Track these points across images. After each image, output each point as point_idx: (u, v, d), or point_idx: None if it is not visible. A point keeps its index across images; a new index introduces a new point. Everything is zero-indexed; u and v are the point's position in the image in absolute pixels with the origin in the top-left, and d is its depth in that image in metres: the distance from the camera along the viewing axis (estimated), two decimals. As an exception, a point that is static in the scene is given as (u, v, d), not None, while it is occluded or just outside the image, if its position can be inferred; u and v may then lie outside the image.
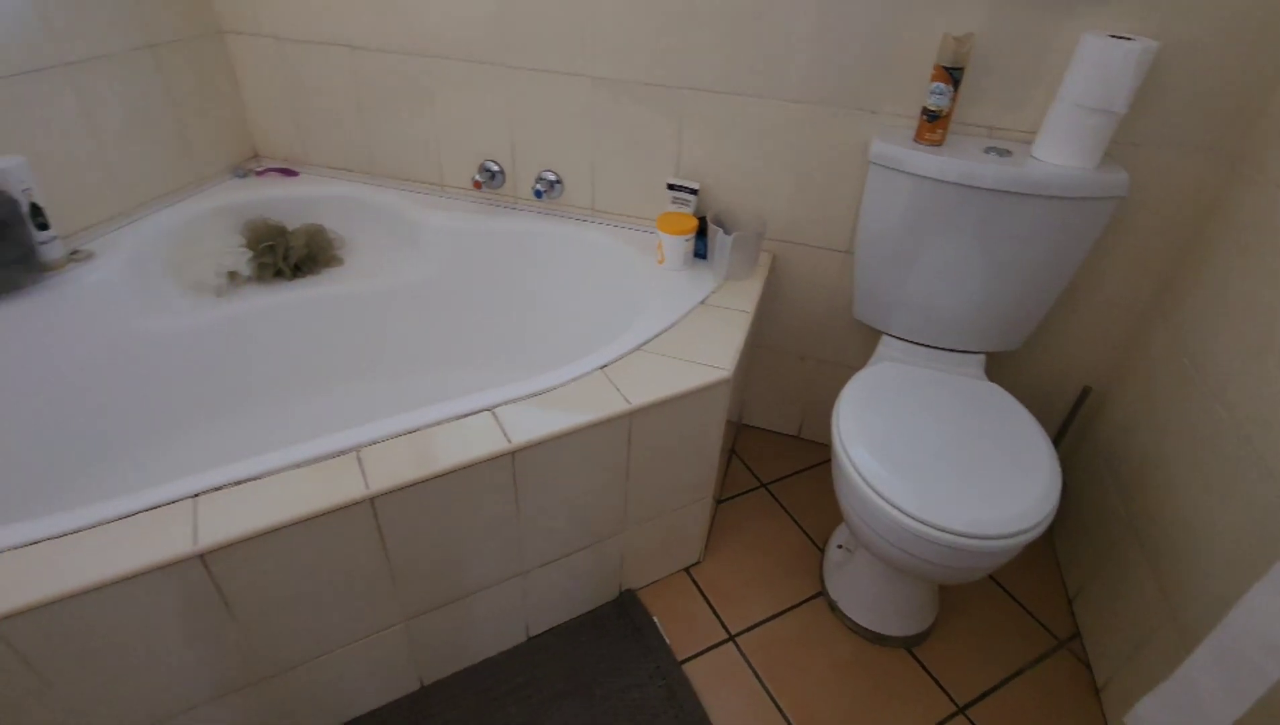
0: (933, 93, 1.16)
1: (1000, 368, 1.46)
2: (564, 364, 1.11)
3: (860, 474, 1.04)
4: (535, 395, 1.05)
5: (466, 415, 1.00)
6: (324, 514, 0.85)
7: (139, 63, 1.38)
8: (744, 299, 1.32)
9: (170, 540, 0.79)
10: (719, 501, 1.56)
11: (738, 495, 1.58)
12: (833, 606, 1.33)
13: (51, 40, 1.22)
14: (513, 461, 0.97)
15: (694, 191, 1.41)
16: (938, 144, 1.19)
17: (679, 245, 1.36)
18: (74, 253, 1.29)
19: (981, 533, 0.95)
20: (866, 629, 1.28)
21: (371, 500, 0.88)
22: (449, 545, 1.00)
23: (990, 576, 1.42)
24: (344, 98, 1.57)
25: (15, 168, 1.15)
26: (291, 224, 1.58)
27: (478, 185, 1.53)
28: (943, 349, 1.35)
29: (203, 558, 0.80)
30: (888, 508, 0.99)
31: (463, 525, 0.99)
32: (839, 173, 1.35)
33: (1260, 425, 0.94)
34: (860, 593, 1.29)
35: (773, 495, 1.59)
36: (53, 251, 1.24)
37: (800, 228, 1.43)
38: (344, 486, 0.87)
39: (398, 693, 1.13)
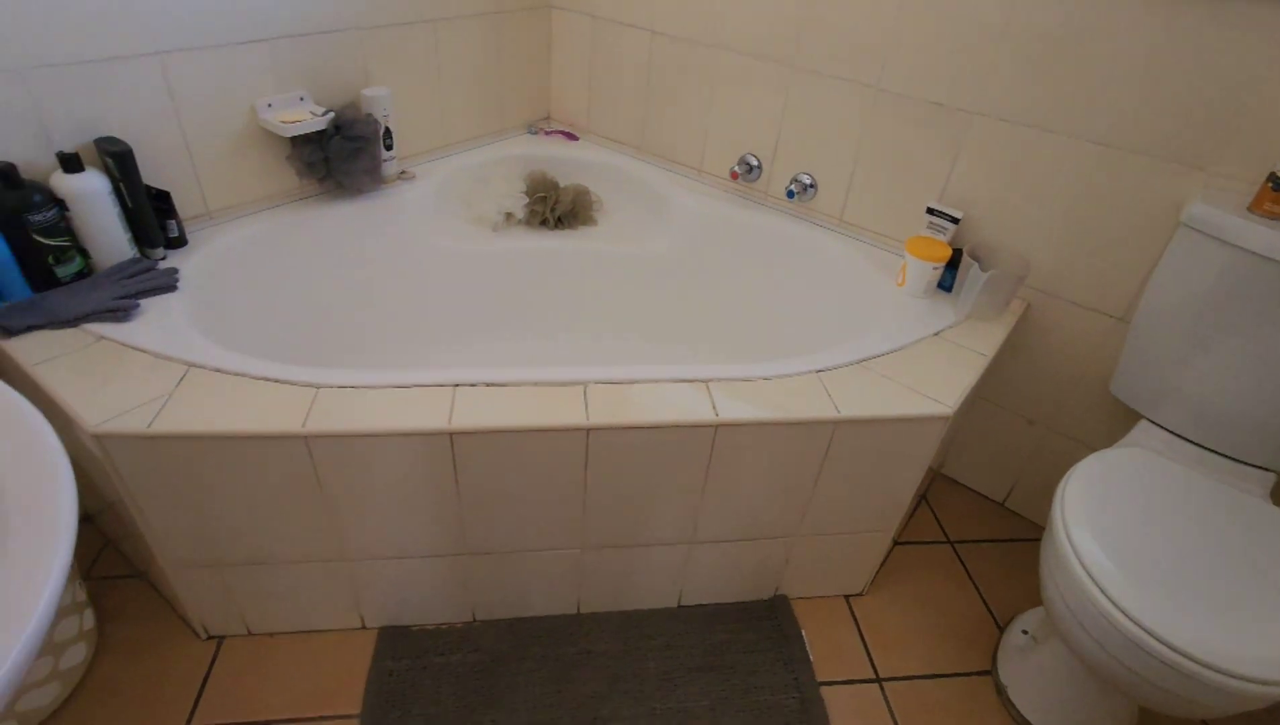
0: (1289, 157, 0.99)
1: (1291, 497, 1.21)
2: (774, 359, 1.13)
3: (1081, 561, 0.93)
4: (748, 380, 1.08)
5: (683, 381, 1.06)
6: (548, 430, 0.97)
7: (483, 25, 1.63)
8: (984, 342, 1.23)
9: (433, 415, 0.95)
10: (897, 542, 1.48)
11: (919, 543, 1.49)
12: (1000, 690, 1.21)
13: (426, 1, 1.49)
14: (714, 434, 1.02)
15: (955, 220, 1.35)
16: (1278, 217, 1.02)
17: (925, 271, 1.30)
18: (402, 173, 1.57)
19: (1230, 668, 0.81)
20: (1036, 729, 1.15)
21: (588, 431, 0.98)
22: (637, 493, 1.08)
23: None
24: (634, 77, 1.72)
25: (382, 97, 1.43)
26: (563, 181, 1.77)
27: (735, 176, 1.59)
28: (1218, 453, 1.16)
29: (451, 436, 0.95)
30: (1115, 612, 0.87)
31: (654, 479, 1.06)
32: (1133, 229, 1.20)
33: None
34: (1039, 688, 1.16)
35: (958, 555, 1.47)
36: (389, 169, 1.52)
37: (1068, 281, 1.30)
38: (569, 412, 0.98)
39: (559, 610, 1.25)
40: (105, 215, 1.09)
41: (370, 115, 1.41)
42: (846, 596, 1.36)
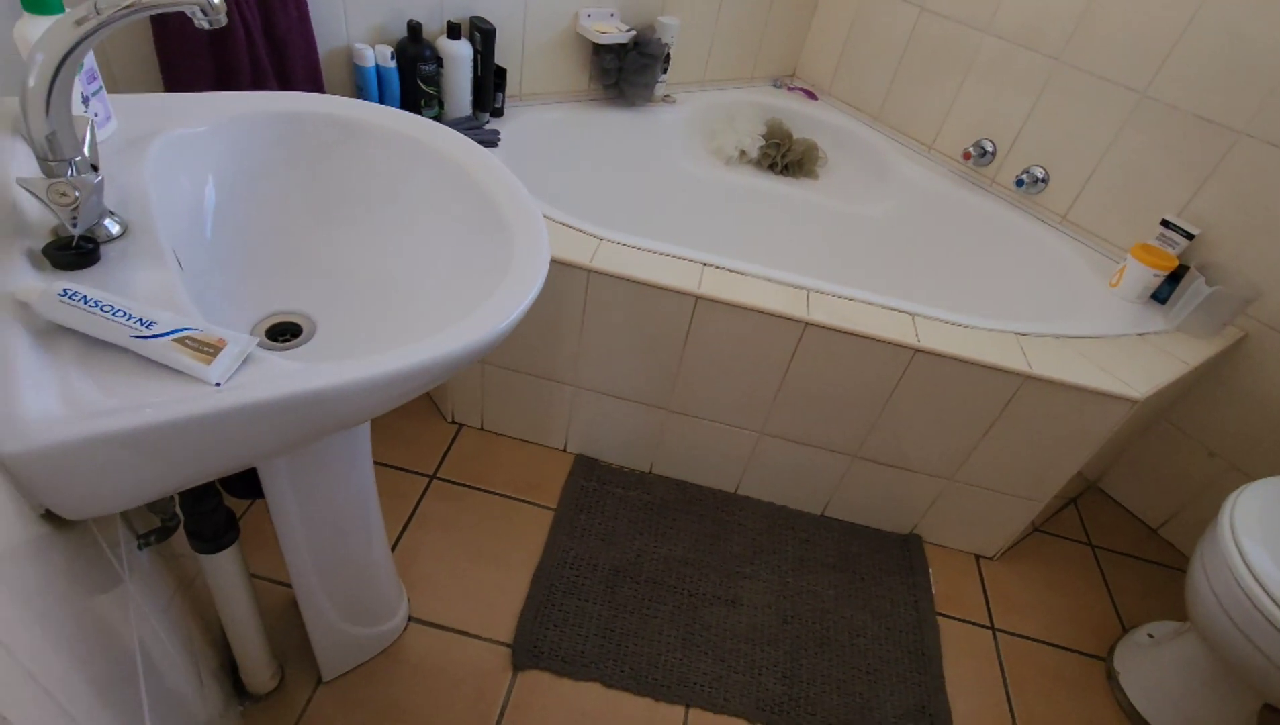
0: None
1: None
2: (978, 316, 1.24)
3: (1251, 569, 0.98)
4: (952, 323, 1.21)
5: (893, 309, 1.21)
6: (769, 314, 1.16)
7: (766, -22, 1.81)
8: (1189, 353, 1.27)
9: (686, 279, 1.17)
10: (1036, 528, 1.55)
11: (1060, 536, 1.55)
12: (1110, 675, 1.28)
13: (731, -53, 1.68)
14: (911, 358, 1.16)
15: (1189, 236, 1.37)
16: None
17: (1145, 276, 1.34)
18: (666, 96, 1.80)
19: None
20: (1144, 718, 1.21)
21: (805, 325, 1.16)
22: (825, 396, 1.25)
23: (1326, 783, 1.20)
24: (890, 49, 1.83)
25: (672, 26, 1.65)
26: (796, 134, 1.92)
27: (967, 156, 1.67)
28: None
29: (696, 299, 1.16)
30: (1271, 607, 0.94)
31: (845, 387, 1.23)
32: (1392, 279, 1.18)
33: None
34: (1153, 681, 1.22)
35: (1096, 558, 1.52)
36: (659, 90, 1.75)
37: (1299, 319, 1.29)
38: (792, 306, 1.16)
39: (720, 484, 1.46)
40: (464, 77, 1.40)
41: (660, 39, 1.64)
42: (977, 556, 1.46)
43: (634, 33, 1.58)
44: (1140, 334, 1.29)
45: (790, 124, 1.93)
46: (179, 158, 0.70)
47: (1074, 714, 1.22)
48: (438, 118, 1.42)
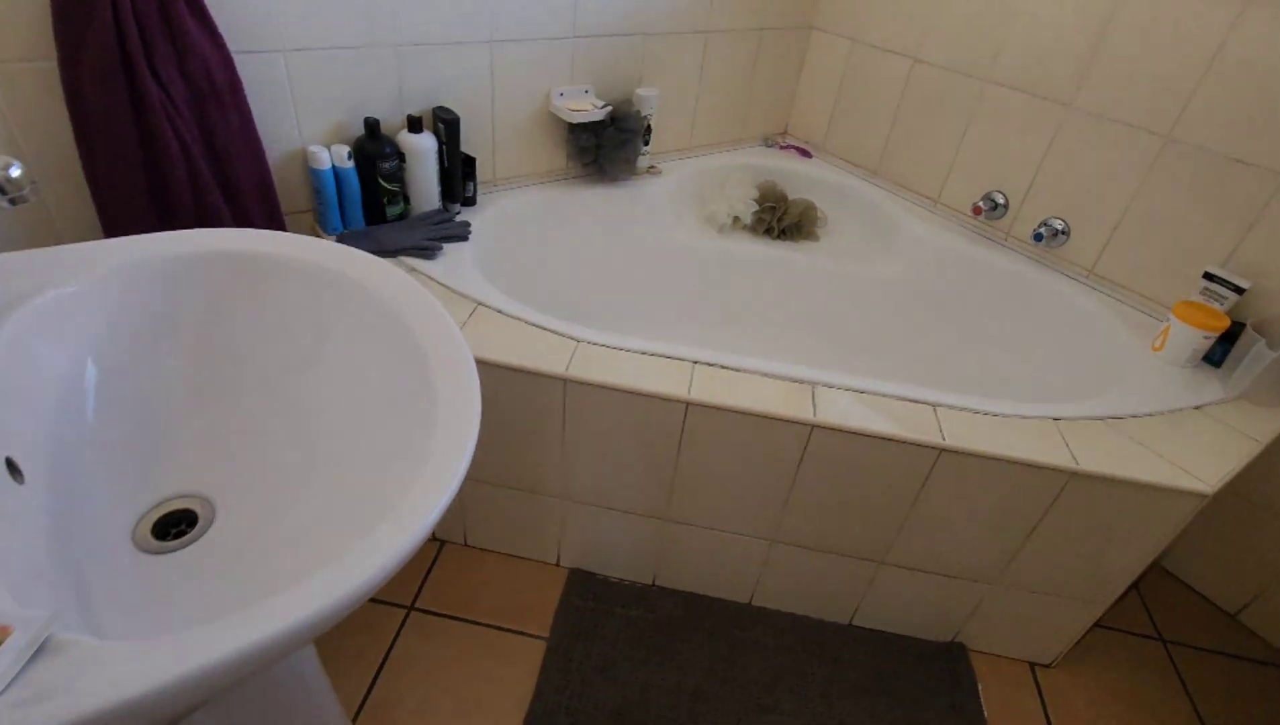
0: None
1: None
2: (1007, 400, 1.09)
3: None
4: (979, 412, 1.06)
5: (909, 400, 1.07)
6: (770, 418, 1.02)
7: (747, 40, 1.73)
8: (1257, 427, 1.11)
9: (674, 383, 1.04)
10: (1098, 623, 1.36)
11: (1123, 630, 1.36)
12: (1207, 814, 1.08)
13: (704, 13, 1.61)
14: (937, 457, 1.02)
15: (1240, 291, 1.22)
16: None
17: (1194, 339, 1.20)
18: (651, 167, 1.71)
19: None
20: None
21: (812, 427, 1.02)
22: (841, 501, 1.10)
23: None
24: (885, 101, 1.73)
25: (651, 97, 1.57)
26: (791, 194, 1.82)
27: (978, 211, 1.55)
28: None
29: (687, 405, 1.03)
30: None
31: (863, 490, 1.08)
32: None
33: None
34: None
35: (1169, 655, 1.33)
36: (642, 162, 1.66)
37: (1379, 378, 1.13)
38: (797, 407, 1.03)
39: (732, 596, 1.30)
40: (429, 171, 1.31)
41: (638, 112, 1.56)
42: (1032, 664, 1.28)
43: (610, 108, 1.49)
44: (1197, 407, 1.14)
45: (785, 184, 1.83)
46: (46, 328, 0.59)
47: None
48: (403, 215, 1.34)
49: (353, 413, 0.65)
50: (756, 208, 1.77)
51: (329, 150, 1.21)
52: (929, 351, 1.62)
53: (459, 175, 1.37)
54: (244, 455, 0.65)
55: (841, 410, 1.03)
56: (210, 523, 0.60)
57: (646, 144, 1.63)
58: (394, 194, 1.30)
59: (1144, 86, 1.29)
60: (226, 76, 1.04)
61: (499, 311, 1.15)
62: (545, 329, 1.12)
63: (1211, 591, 1.44)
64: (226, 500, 0.62)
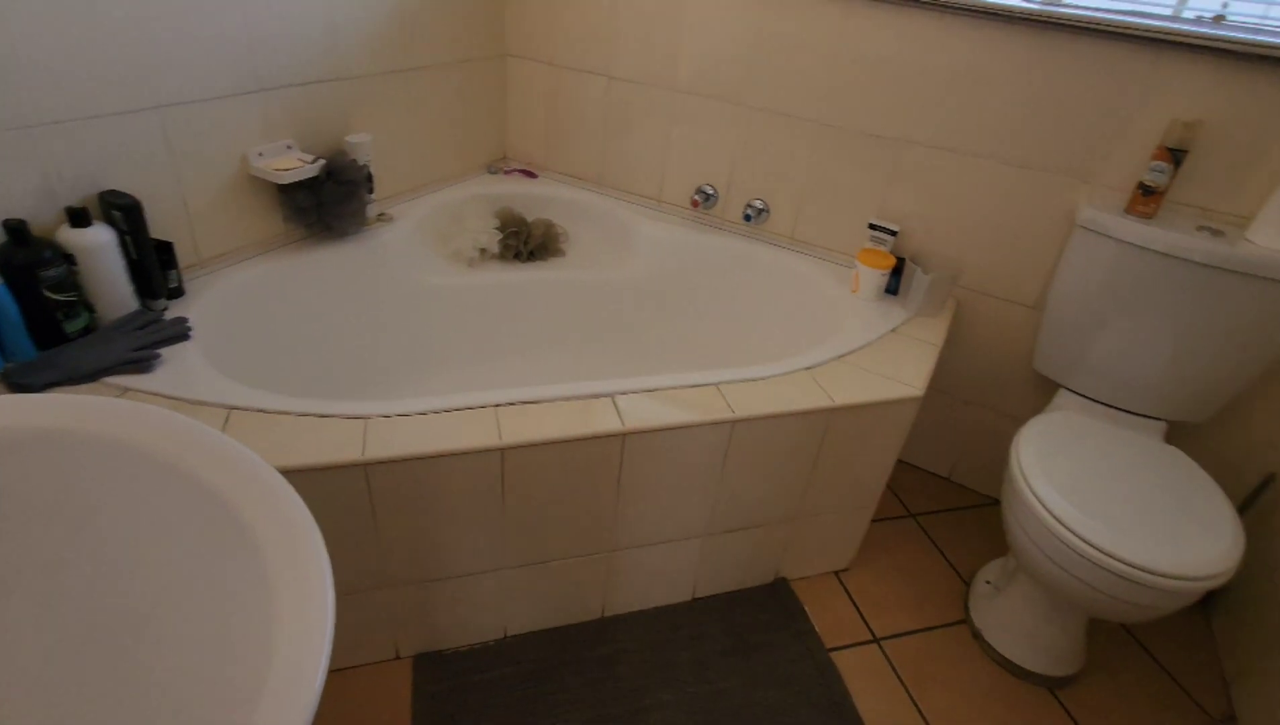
0: (1152, 170, 1.25)
1: (1180, 439, 1.49)
2: (766, 363, 1.27)
3: (1048, 509, 1.12)
4: (752, 381, 1.22)
5: (697, 386, 1.19)
6: (587, 438, 1.06)
7: (449, 73, 1.72)
8: (932, 333, 1.44)
9: (483, 433, 1.02)
10: (872, 521, 1.65)
11: (887, 519, 1.67)
12: (976, 635, 1.39)
13: (403, 51, 1.56)
14: (731, 430, 1.15)
15: (893, 233, 1.56)
16: (1149, 216, 1.28)
17: (876, 278, 1.50)
18: (381, 215, 1.62)
19: (1167, 571, 1.01)
20: (1011, 662, 1.33)
21: (624, 436, 1.08)
22: (664, 492, 1.18)
23: (1141, 643, 1.44)
24: (591, 118, 1.85)
25: (365, 143, 1.48)
26: (530, 216, 1.86)
27: (695, 204, 1.75)
28: (1123, 410, 1.41)
29: (502, 451, 1.02)
30: (1076, 540, 1.07)
31: (680, 476, 1.17)
32: (1039, 233, 1.45)
33: None
34: (1008, 627, 1.35)
35: (921, 527, 1.67)
36: (370, 211, 1.56)
37: (990, 279, 1.54)
38: (604, 421, 1.08)
39: (585, 616, 1.32)
40: (113, 269, 1.09)
41: (354, 161, 1.46)
42: (836, 573, 1.51)
43: (323, 162, 1.37)
44: (893, 331, 1.44)
45: (521, 208, 1.87)
46: None
47: (965, 685, 1.31)
48: (89, 327, 1.09)
49: (153, 617, 0.52)
50: (500, 235, 1.78)
51: (-43, 270, 0.94)
52: (695, 336, 1.79)
53: (155, 266, 1.16)
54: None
55: (643, 412, 1.11)
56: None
57: (371, 192, 1.54)
58: (69, 305, 1.05)
59: (795, 83, 1.57)
60: None
61: (260, 411, 1.00)
62: (324, 416, 1.01)
63: (930, 465, 1.83)
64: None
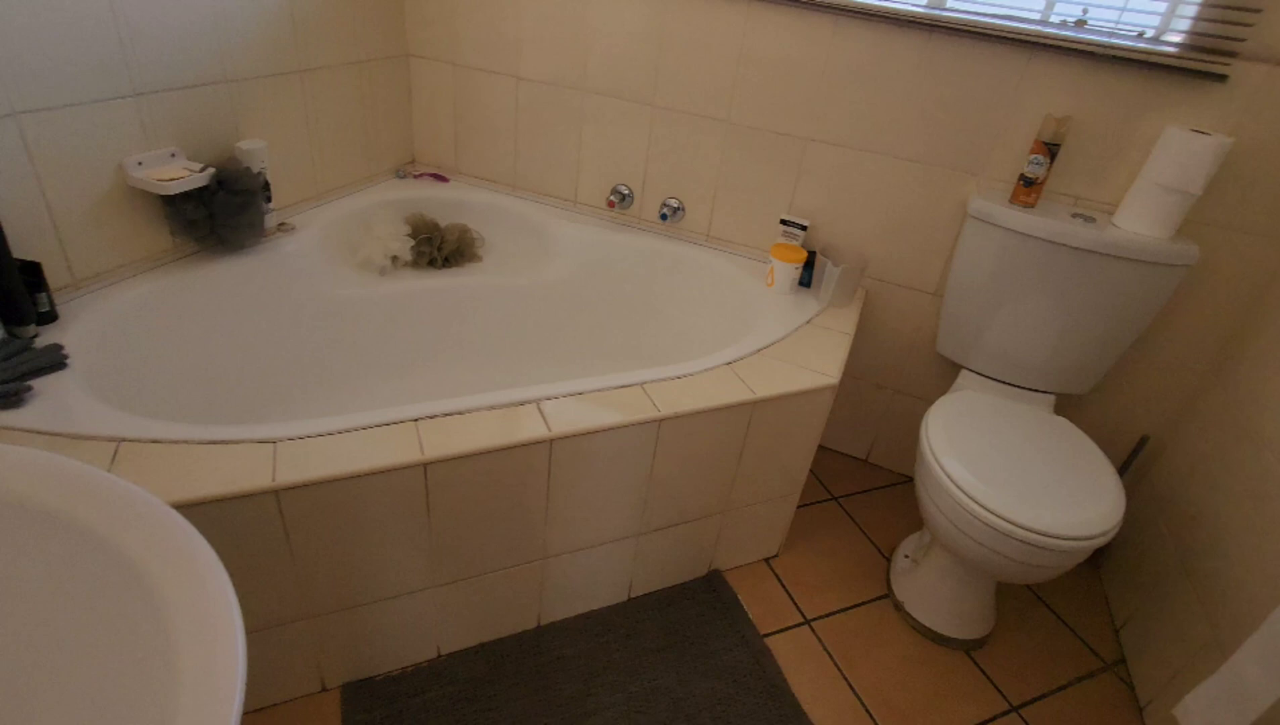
0: (1031, 162, 1.35)
1: (1067, 409, 1.62)
2: (689, 360, 1.29)
3: (955, 482, 1.19)
4: (676, 378, 1.23)
5: (622, 387, 1.19)
6: (512, 447, 1.04)
7: (349, 74, 1.65)
8: (845, 323, 1.50)
9: (404, 449, 0.98)
10: (798, 507, 1.71)
11: (811, 503, 1.74)
12: (898, 607, 1.47)
13: (296, 51, 1.48)
14: (658, 428, 1.16)
15: (804, 227, 1.62)
16: (1030, 206, 1.38)
17: (790, 272, 1.55)
18: (281, 225, 1.53)
19: (1062, 533, 1.10)
20: (931, 629, 1.41)
21: (551, 441, 1.07)
22: (592, 496, 1.18)
23: (1043, 601, 1.55)
24: (502, 120, 1.82)
25: (259, 150, 1.40)
26: (442, 222, 1.81)
27: (611, 204, 1.75)
28: (1017, 386, 1.52)
29: (425, 466, 0.99)
30: (982, 511, 1.14)
31: (608, 477, 1.17)
32: (936, 224, 1.54)
33: (1308, 468, 1.08)
34: (926, 597, 1.43)
35: (844, 508, 1.74)
36: (269, 221, 1.48)
37: (894, 269, 1.62)
38: (530, 428, 1.06)
39: (520, 627, 1.30)
40: (-30, 294, 0.98)
41: (248, 168, 1.37)
42: (767, 560, 1.55)
43: (213, 170, 1.29)
44: (808, 322, 1.49)
45: (433, 213, 1.81)
46: None
47: (889, 654, 1.37)
48: (-54, 360, 0.98)
49: (31, 687, 0.47)
50: (413, 242, 1.72)
51: None
52: (618, 337, 1.79)
53: (20, 289, 1.05)
54: None
55: (570, 416, 1.10)
56: None
57: (269, 201, 1.45)
58: (-80, 337, 0.94)
59: (701, 83, 1.60)
60: None
61: (154, 441, 0.93)
62: (228, 442, 0.94)
63: (849, 448, 1.91)
64: None
